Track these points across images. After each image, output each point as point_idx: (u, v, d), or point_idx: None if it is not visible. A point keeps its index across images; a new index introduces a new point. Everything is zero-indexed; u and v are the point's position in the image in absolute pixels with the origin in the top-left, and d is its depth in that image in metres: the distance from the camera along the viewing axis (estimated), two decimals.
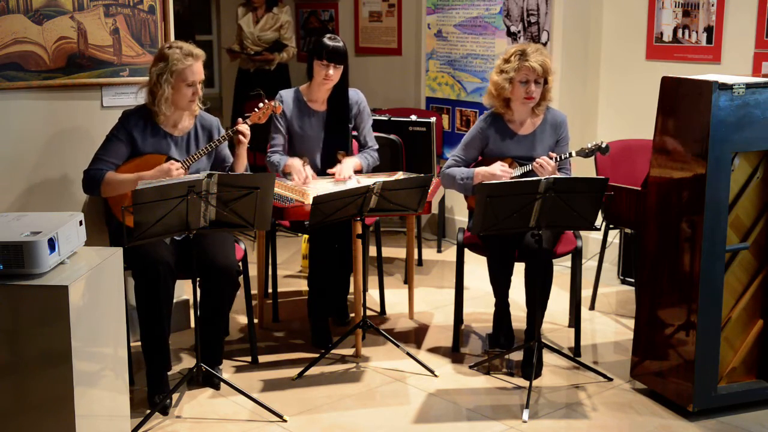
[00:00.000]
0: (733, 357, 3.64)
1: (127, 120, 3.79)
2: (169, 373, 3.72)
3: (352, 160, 4.37)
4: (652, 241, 3.65)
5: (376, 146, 4.54)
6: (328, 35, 4.33)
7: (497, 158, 4.08)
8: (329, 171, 4.33)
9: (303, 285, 5.23)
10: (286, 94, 4.43)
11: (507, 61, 4.01)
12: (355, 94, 4.47)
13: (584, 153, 3.98)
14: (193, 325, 4.37)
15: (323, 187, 4.13)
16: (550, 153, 3.98)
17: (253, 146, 5.60)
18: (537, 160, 3.93)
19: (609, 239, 4.88)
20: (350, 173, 4.28)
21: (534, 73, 3.96)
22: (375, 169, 4.55)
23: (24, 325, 2.76)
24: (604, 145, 3.96)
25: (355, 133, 4.57)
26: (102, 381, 3.08)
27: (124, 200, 3.69)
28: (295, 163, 4.29)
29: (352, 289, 4.50)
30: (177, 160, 3.76)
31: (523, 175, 3.98)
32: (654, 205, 3.63)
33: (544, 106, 4.11)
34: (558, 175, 3.89)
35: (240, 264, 3.85)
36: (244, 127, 3.88)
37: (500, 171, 3.99)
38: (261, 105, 4.03)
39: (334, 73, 4.29)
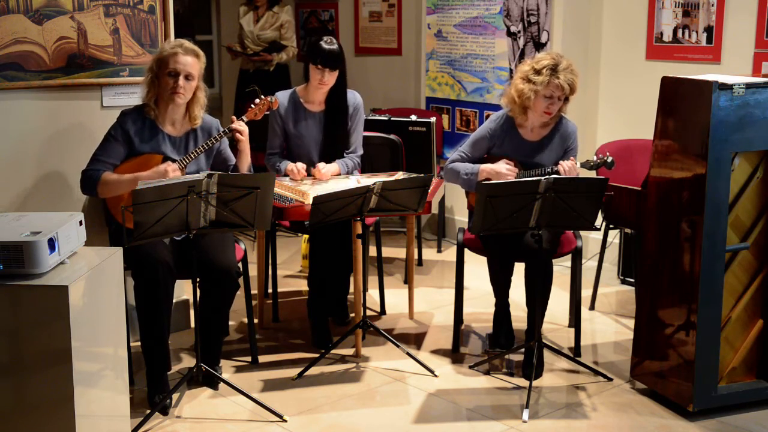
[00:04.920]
0: (733, 357, 3.64)
1: (124, 120, 3.79)
2: (169, 373, 3.72)
3: (329, 168, 4.33)
4: (652, 241, 3.65)
5: (360, 152, 4.50)
6: (325, 38, 4.28)
7: (502, 159, 4.08)
8: (313, 171, 4.29)
9: (303, 285, 5.23)
10: (282, 96, 4.41)
11: (538, 72, 3.94)
12: (353, 97, 4.44)
13: (589, 165, 3.98)
14: (192, 325, 4.36)
15: (322, 187, 4.13)
16: (572, 159, 3.98)
17: (254, 146, 5.63)
18: (562, 164, 3.92)
19: (609, 239, 4.88)
20: (328, 177, 4.25)
21: (560, 91, 3.94)
22: (375, 169, 4.55)
23: (24, 325, 2.76)
24: (609, 160, 3.95)
25: None
26: (102, 381, 3.08)
27: (121, 202, 3.69)
28: (297, 166, 4.28)
29: (352, 289, 4.50)
30: (174, 160, 3.75)
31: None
32: (654, 205, 3.63)
33: (557, 118, 4.10)
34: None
35: (240, 264, 3.85)
36: (239, 125, 3.87)
37: (506, 170, 3.99)
38: (257, 101, 4.03)
39: (329, 78, 4.27)
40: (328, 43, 4.25)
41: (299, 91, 4.43)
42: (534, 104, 3.99)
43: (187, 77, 3.73)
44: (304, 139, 4.39)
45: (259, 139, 5.49)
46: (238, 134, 3.87)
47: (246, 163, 3.94)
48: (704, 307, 3.45)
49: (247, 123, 3.94)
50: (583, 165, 3.98)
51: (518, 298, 4.28)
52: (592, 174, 4.49)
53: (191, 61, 3.74)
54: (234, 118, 3.90)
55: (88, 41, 3.97)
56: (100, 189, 3.70)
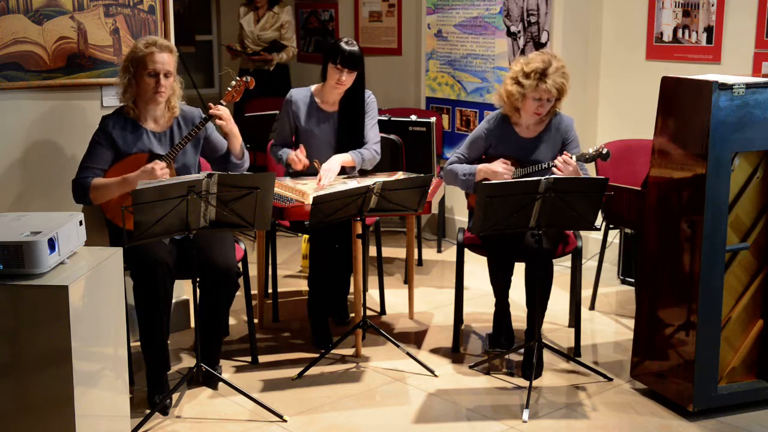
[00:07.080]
0: (733, 357, 3.64)
1: (105, 124, 3.77)
2: (168, 373, 3.72)
3: (339, 158, 4.31)
4: (652, 241, 3.65)
5: (377, 140, 4.47)
6: (346, 39, 4.31)
7: (500, 158, 4.08)
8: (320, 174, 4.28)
9: (303, 285, 5.23)
10: (298, 94, 4.42)
11: (526, 76, 3.95)
12: (366, 95, 4.44)
13: (585, 158, 3.98)
14: (192, 325, 4.37)
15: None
16: (566, 153, 3.97)
17: (254, 146, 5.64)
18: (557, 159, 3.92)
19: (609, 239, 4.88)
20: (331, 178, 4.22)
21: (548, 94, 3.94)
22: (375, 169, 4.54)
23: (24, 325, 2.76)
24: (605, 152, 3.95)
25: None
26: (102, 381, 3.08)
27: (115, 206, 3.68)
28: (298, 154, 4.26)
29: (352, 289, 4.50)
30: (161, 156, 3.74)
31: (524, 176, 3.98)
32: (654, 205, 3.63)
33: (552, 114, 4.11)
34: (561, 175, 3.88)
35: (240, 264, 3.85)
36: (217, 109, 3.81)
37: (502, 168, 4.00)
38: (233, 83, 4.00)
39: (347, 79, 4.28)
40: (348, 44, 4.26)
41: (315, 90, 4.43)
42: (523, 105, 4.01)
43: (166, 75, 3.72)
44: (316, 138, 4.38)
45: (259, 138, 5.51)
46: (218, 119, 3.83)
47: (238, 143, 3.92)
48: (704, 307, 3.45)
49: (226, 106, 3.90)
50: (579, 158, 3.97)
51: (518, 298, 4.28)
52: (590, 167, 4.51)
53: (167, 58, 3.72)
54: (211, 105, 3.85)
55: (88, 41, 3.97)
56: (92, 195, 3.69)
